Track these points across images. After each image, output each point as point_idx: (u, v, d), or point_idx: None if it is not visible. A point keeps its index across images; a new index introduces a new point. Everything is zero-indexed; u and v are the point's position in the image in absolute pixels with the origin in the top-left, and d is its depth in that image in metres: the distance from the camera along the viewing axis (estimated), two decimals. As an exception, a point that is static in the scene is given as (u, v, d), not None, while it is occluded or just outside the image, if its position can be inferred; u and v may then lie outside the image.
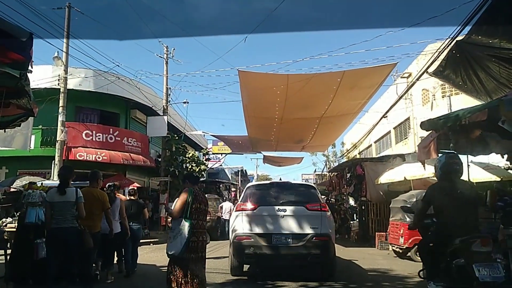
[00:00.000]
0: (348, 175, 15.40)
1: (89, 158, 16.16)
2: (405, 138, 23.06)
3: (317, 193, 7.56)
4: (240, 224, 6.88)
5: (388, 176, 12.15)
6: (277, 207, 6.84)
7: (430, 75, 10.55)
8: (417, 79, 13.58)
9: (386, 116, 18.89)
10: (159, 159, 20.56)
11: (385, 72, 11.48)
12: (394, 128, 25.12)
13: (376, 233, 13.04)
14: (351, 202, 16.26)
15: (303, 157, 25.76)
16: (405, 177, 11.65)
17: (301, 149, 21.86)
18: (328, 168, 38.17)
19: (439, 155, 5.21)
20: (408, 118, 22.40)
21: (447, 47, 9.23)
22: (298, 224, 6.74)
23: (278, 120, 15.55)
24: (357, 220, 15.69)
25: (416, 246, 6.81)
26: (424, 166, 8.58)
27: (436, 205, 4.53)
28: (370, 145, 29.53)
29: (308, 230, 6.65)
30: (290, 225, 6.71)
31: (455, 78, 9.98)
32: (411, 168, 12.03)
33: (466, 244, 4.00)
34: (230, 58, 74.42)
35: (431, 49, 20.09)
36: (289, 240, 6.61)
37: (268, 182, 9.90)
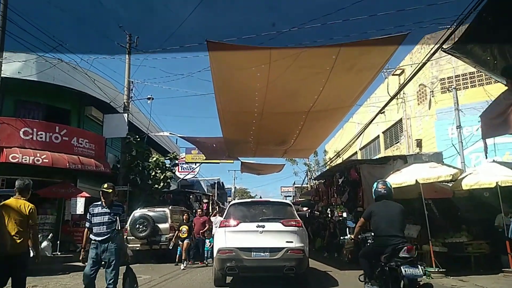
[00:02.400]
0: (340, 181, 12.96)
1: (25, 160, 13.17)
2: (396, 143, 20.94)
3: (293, 210, 8.32)
4: (223, 239, 7.50)
5: (395, 180, 9.75)
6: (256, 223, 7.44)
7: (445, 51, 8.17)
8: (420, 68, 11.26)
9: (384, 112, 16.75)
10: (118, 165, 17.66)
11: (391, 48, 9.17)
12: (383, 132, 23.01)
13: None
14: (344, 214, 13.73)
15: (284, 165, 23.32)
16: (416, 180, 9.29)
17: (283, 154, 19.32)
18: (309, 178, 35.90)
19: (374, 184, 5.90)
20: (401, 120, 20.31)
21: (474, 10, 7.09)
22: (275, 238, 7.35)
23: (258, 116, 13.01)
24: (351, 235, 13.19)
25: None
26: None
27: (373, 220, 5.47)
28: (355, 153, 27.33)
29: (284, 244, 7.27)
30: (268, 239, 7.33)
31: (482, 53, 7.79)
32: (423, 169, 9.71)
33: (396, 251, 5.06)
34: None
35: (427, 41, 18.22)
36: (267, 253, 7.24)
37: (249, 200, 11.20)
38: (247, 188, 60.80)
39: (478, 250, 10.37)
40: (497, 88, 15.52)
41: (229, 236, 7.44)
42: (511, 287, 8.47)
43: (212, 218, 14.16)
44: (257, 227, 7.37)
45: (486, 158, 9.42)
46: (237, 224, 7.55)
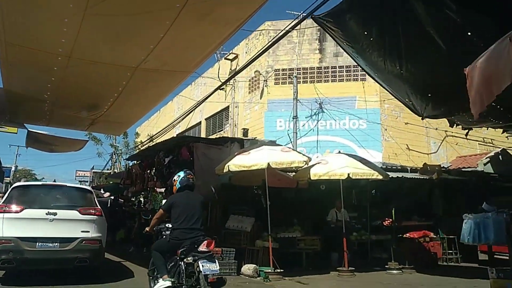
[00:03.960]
0: (167, 160, 10.48)
1: None
2: (220, 130, 19.74)
3: (93, 197, 7.66)
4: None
5: (243, 161, 7.97)
6: (46, 210, 6.70)
7: (315, 18, 6.87)
8: (259, 55, 9.87)
9: (223, 88, 15.07)
10: None
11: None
12: (206, 119, 21.57)
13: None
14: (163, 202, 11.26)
15: (86, 141, 19.07)
16: (269, 164, 7.72)
17: (88, 126, 15.23)
18: (114, 162, 31.74)
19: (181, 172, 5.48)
20: (228, 107, 19.19)
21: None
22: (69, 228, 6.75)
23: (63, 60, 9.02)
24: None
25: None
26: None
27: (173, 212, 5.11)
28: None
29: (79, 234, 6.72)
30: (60, 229, 6.68)
31: (359, 27, 6.87)
32: (275, 152, 8.25)
33: (194, 245, 4.83)
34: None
35: (267, 28, 17.61)
36: (56, 244, 6.58)
37: (39, 183, 10.09)
38: (32, 170, 50.60)
39: (310, 247, 9.61)
40: (326, 87, 16.22)
41: (8, 223, 6.52)
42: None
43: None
44: (46, 214, 6.65)
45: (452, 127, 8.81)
46: (21, 210, 6.67)
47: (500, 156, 14.73)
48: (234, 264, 8.26)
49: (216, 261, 4.80)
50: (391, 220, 10.42)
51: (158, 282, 4.98)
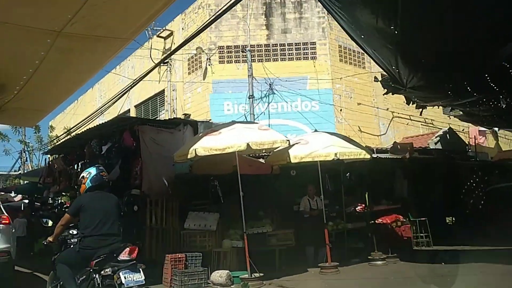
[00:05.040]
0: (104, 149, 8.41)
1: None
2: (154, 118, 17.58)
3: None
4: None
5: (214, 143, 6.36)
6: None
7: None
8: (201, 31, 8.50)
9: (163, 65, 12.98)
10: None
11: None
12: (136, 106, 19.21)
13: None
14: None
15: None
16: (248, 144, 6.23)
17: None
18: (24, 161, 27.61)
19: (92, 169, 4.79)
20: (163, 91, 17.11)
21: None
22: None
23: None
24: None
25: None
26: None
27: (83, 216, 4.39)
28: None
29: None
30: None
31: None
32: (252, 131, 6.78)
33: (113, 253, 4.16)
34: None
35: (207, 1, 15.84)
36: None
37: None
38: None
39: (284, 242, 8.32)
40: (276, 66, 14.95)
41: None
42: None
43: None
44: None
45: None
46: None
47: (447, 135, 14.91)
48: (203, 273, 6.67)
49: (141, 270, 4.12)
50: (363, 205, 9.59)
51: None
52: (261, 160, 8.40)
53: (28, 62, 7.08)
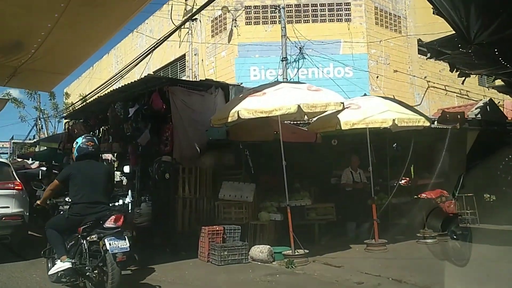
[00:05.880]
0: (131, 112, 7.70)
1: None
2: (175, 84, 16.85)
3: (10, 170, 7.24)
4: None
5: (261, 105, 5.61)
6: None
7: None
8: None
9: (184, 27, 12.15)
10: None
11: None
12: (155, 72, 18.40)
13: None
14: (127, 169, 8.52)
15: (7, 100, 15.23)
16: (299, 106, 5.46)
17: (8, 80, 11.32)
18: (39, 129, 27.25)
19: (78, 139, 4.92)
20: (183, 56, 16.28)
21: None
22: None
23: None
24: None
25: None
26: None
27: (72, 184, 4.57)
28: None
29: None
30: None
31: None
32: (302, 92, 6.02)
33: (99, 221, 4.33)
34: None
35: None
36: None
37: None
38: None
39: (323, 217, 7.68)
40: (306, 28, 14.00)
41: None
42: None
43: None
44: None
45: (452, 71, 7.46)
46: None
47: (487, 107, 13.92)
48: (244, 248, 6.07)
49: (126, 238, 4.26)
50: (408, 179, 8.85)
51: (56, 263, 4.40)
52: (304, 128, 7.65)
53: (47, 15, 6.27)
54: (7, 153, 39.32)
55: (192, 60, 15.67)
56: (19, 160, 18.09)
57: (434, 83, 15.13)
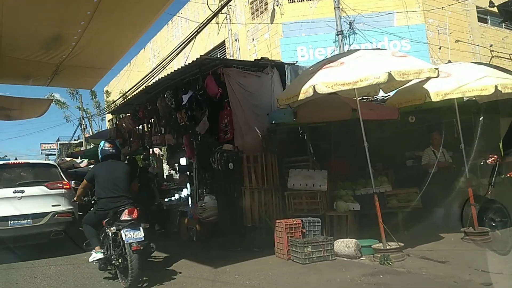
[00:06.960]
0: (185, 99, 7.06)
1: None
2: (216, 74, 16.24)
3: (58, 171, 7.69)
4: None
5: (343, 77, 4.77)
6: (13, 189, 6.70)
7: None
8: None
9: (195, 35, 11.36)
10: None
11: None
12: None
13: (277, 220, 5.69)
14: (183, 161, 7.94)
15: (51, 100, 15.07)
16: (390, 74, 4.59)
17: (50, 80, 10.95)
18: (83, 129, 27.52)
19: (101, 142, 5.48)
20: (223, 43, 15.61)
21: None
22: (38, 204, 6.77)
23: None
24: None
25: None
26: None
27: (97, 183, 5.09)
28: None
29: (50, 209, 6.80)
30: (30, 205, 6.68)
31: None
32: (389, 58, 5.15)
33: (116, 214, 4.77)
34: None
35: None
36: (28, 220, 6.63)
37: (1, 163, 9.45)
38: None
39: (406, 203, 6.78)
40: (355, 2, 12.99)
41: None
42: None
43: None
44: (14, 192, 6.58)
45: None
46: None
47: None
48: (329, 243, 5.29)
49: (141, 228, 4.68)
50: (495, 156, 7.76)
51: (91, 253, 4.97)
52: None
53: (86, 1, 5.64)
54: (54, 154, 40.40)
55: (233, 46, 14.96)
56: (68, 159, 18.10)
57: (498, 52, 13.72)
